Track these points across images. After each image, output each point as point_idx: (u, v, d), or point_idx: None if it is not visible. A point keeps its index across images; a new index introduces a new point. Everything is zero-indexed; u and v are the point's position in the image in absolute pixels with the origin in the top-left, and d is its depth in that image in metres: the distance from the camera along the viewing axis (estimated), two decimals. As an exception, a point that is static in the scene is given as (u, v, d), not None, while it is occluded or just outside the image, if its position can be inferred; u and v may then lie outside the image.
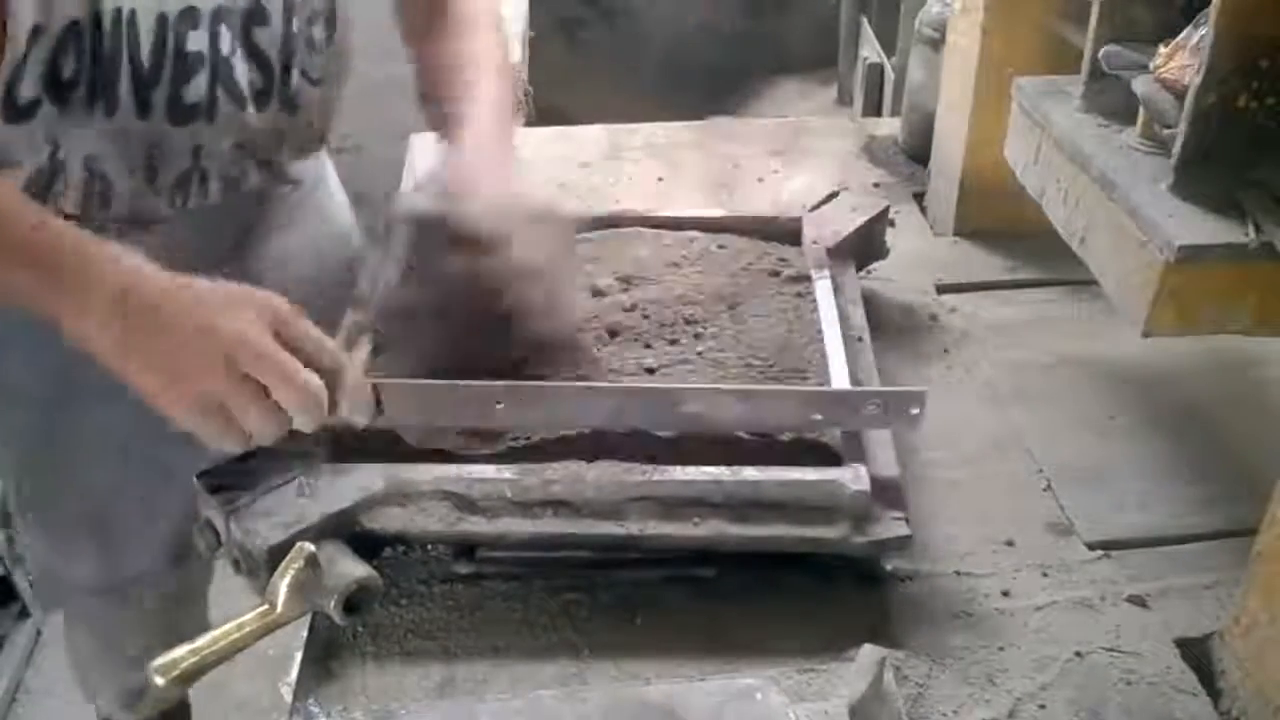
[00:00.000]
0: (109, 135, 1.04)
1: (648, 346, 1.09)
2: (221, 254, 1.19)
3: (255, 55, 1.09)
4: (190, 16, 1.03)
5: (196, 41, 1.04)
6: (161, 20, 1.01)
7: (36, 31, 0.94)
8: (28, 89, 0.97)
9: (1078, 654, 0.90)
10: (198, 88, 1.06)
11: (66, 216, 0.97)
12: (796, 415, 0.95)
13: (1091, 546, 1.01)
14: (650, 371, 1.05)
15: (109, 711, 1.53)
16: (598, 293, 1.16)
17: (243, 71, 1.08)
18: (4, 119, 0.97)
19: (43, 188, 1.03)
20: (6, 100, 0.96)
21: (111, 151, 1.05)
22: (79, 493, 1.21)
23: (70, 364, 0.97)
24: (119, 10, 0.98)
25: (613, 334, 1.10)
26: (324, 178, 1.39)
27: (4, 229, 0.90)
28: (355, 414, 0.91)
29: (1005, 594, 0.95)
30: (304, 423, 0.87)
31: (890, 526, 0.90)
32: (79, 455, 1.23)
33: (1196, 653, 0.91)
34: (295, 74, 1.13)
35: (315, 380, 0.86)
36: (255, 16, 1.08)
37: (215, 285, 0.89)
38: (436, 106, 1.18)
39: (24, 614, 2.40)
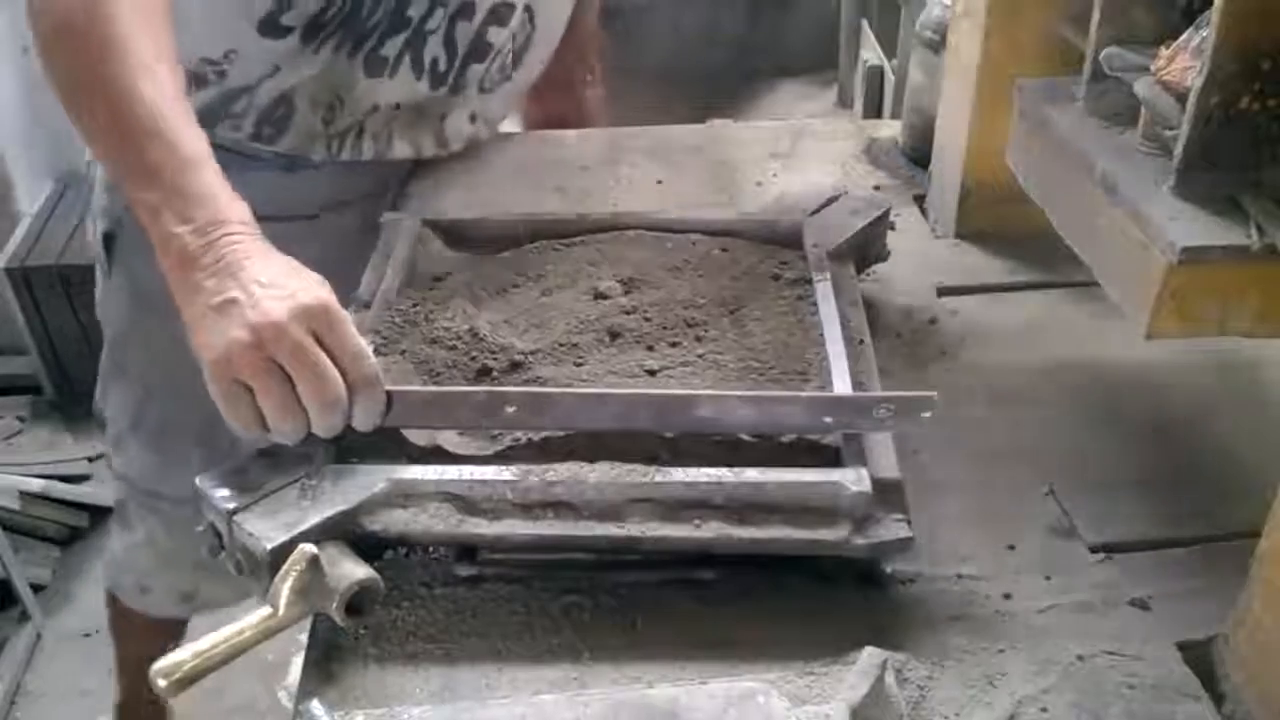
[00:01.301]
0: (318, 71, 1.13)
1: (649, 349, 1.09)
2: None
3: (450, 43, 1.22)
4: None
5: (418, 7, 1.16)
6: None
7: None
8: (291, 19, 1.06)
9: (1079, 657, 0.89)
10: (394, 45, 1.18)
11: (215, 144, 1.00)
12: (807, 420, 0.95)
13: (1093, 549, 1.00)
14: (652, 374, 1.05)
15: (162, 610, 1.67)
16: (599, 295, 1.16)
17: (434, 49, 1.21)
18: (259, 32, 1.07)
19: (225, 103, 1.11)
20: (269, 18, 1.06)
21: (311, 87, 1.15)
22: (198, 403, 1.23)
23: None
24: None
25: (614, 336, 1.10)
26: None
27: (149, 120, 0.93)
28: (364, 422, 0.92)
29: (1007, 597, 0.95)
30: (323, 428, 0.88)
31: (891, 529, 0.90)
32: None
33: (1199, 656, 0.91)
34: (474, 74, 1.28)
35: (341, 389, 0.88)
36: (473, 12, 1.23)
37: (287, 267, 0.92)
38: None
39: (24, 617, 2.41)
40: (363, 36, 1.16)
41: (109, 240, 1.41)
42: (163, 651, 0.81)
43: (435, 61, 1.26)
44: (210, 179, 0.94)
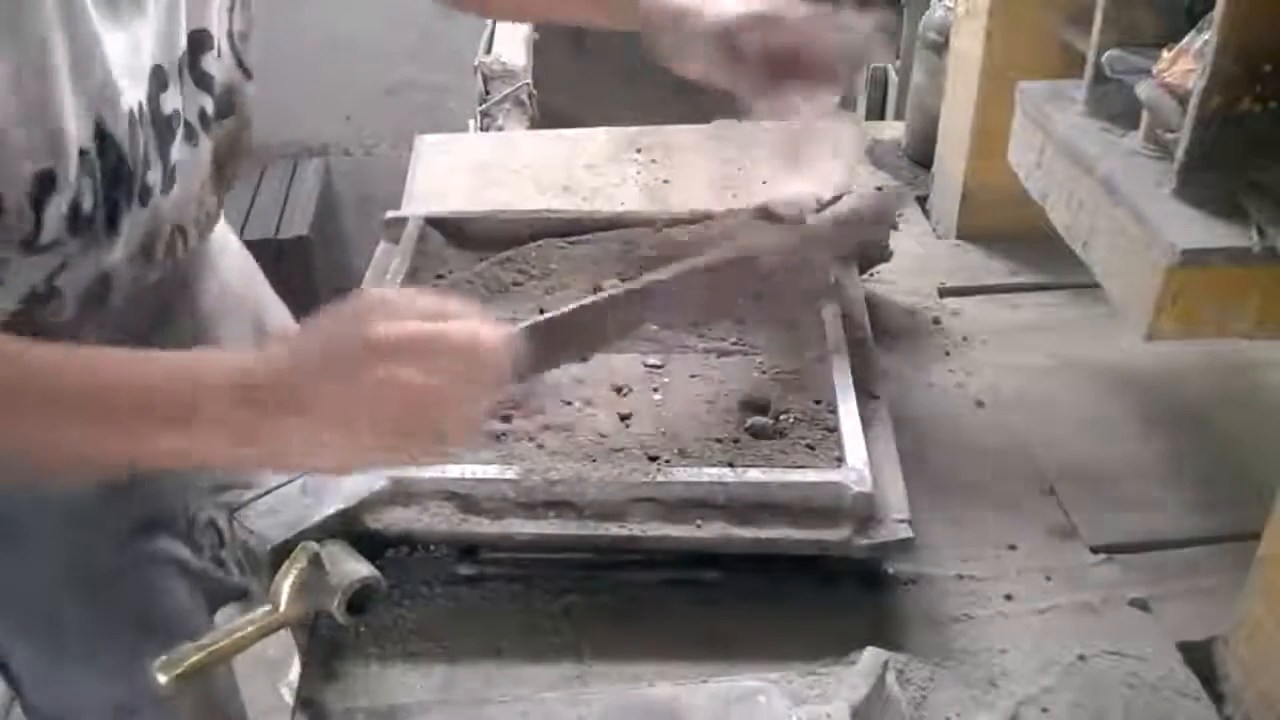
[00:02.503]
0: (125, 242, 0.94)
1: (652, 347, 1.09)
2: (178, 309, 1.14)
3: (202, 80, 1.00)
4: (159, 75, 0.93)
5: (171, 100, 0.95)
6: (149, 95, 0.91)
7: (48, 178, 0.83)
8: (49, 234, 0.85)
9: (1080, 657, 0.90)
10: (179, 147, 0.97)
11: (42, 330, 0.86)
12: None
13: (1094, 550, 1.01)
14: (653, 368, 1.05)
15: None
16: (600, 293, 1.16)
17: (196, 102, 1.00)
18: (23, 254, 0.85)
19: (34, 308, 0.90)
20: (27, 243, 0.84)
21: (121, 256, 0.95)
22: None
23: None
24: (130, 109, 0.88)
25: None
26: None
27: (51, 385, 0.76)
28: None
29: (1008, 597, 0.95)
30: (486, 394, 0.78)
31: (893, 529, 0.90)
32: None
33: (1199, 656, 0.91)
34: (240, 82, 1.06)
35: (488, 334, 0.77)
36: (202, 44, 0.99)
37: (323, 318, 0.78)
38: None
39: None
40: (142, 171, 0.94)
41: None
42: None
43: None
44: (176, 367, 0.78)
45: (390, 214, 1.32)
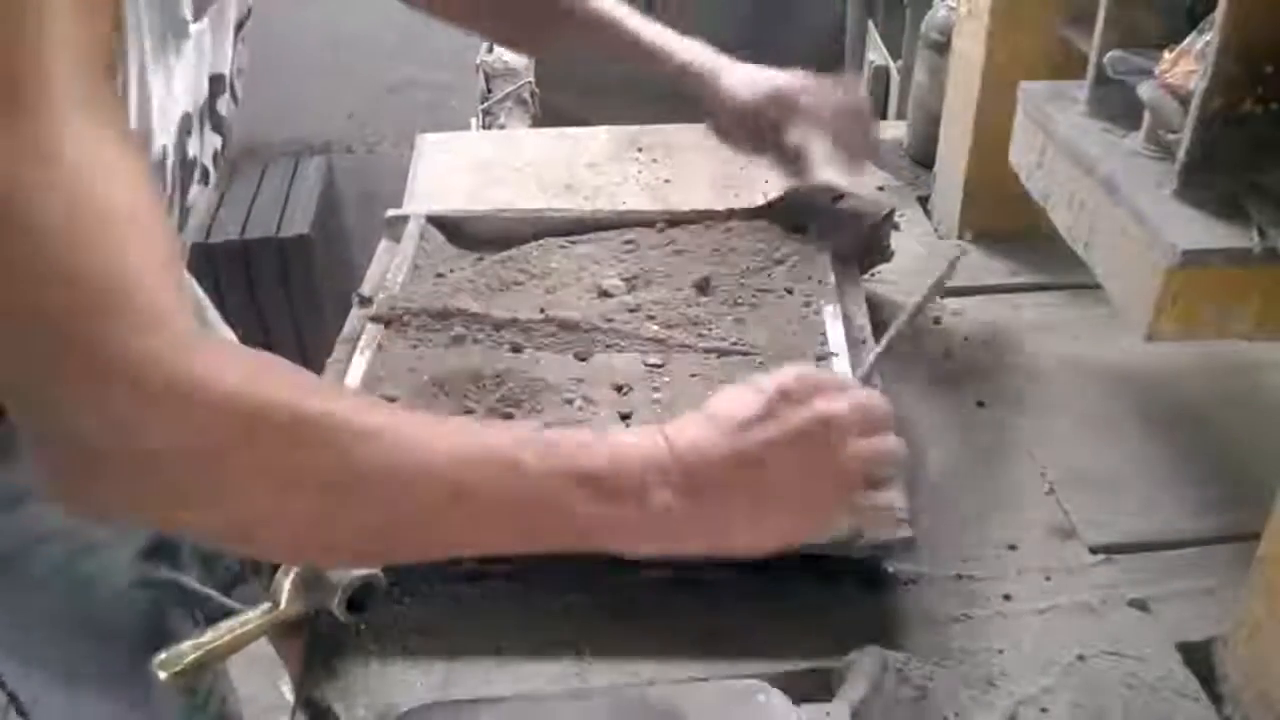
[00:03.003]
0: None
1: (654, 347, 1.09)
2: None
3: (218, 123, 1.01)
4: (187, 122, 0.92)
5: (194, 146, 0.94)
6: (179, 140, 0.89)
7: None
8: None
9: (1079, 657, 0.90)
10: (195, 190, 0.97)
11: None
12: None
13: (1094, 550, 1.01)
14: (654, 368, 1.06)
15: None
16: (603, 293, 1.17)
17: (211, 145, 1.00)
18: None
19: None
20: None
21: None
22: None
23: None
24: (156, 154, 0.84)
25: (617, 333, 1.11)
26: None
27: (499, 485, 0.68)
28: None
29: (1007, 597, 0.95)
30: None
31: (893, 529, 0.90)
32: None
33: (1199, 657, 0.91)
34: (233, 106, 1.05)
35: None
36: (217, 88, 0.98)
37: (732, 401, 0.75)
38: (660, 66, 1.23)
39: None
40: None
41: None
42: None
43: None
44: (572, 445, 0.71)
45: (392, 212, 1.32)
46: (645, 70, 1.22)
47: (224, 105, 1.02)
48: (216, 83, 0.99)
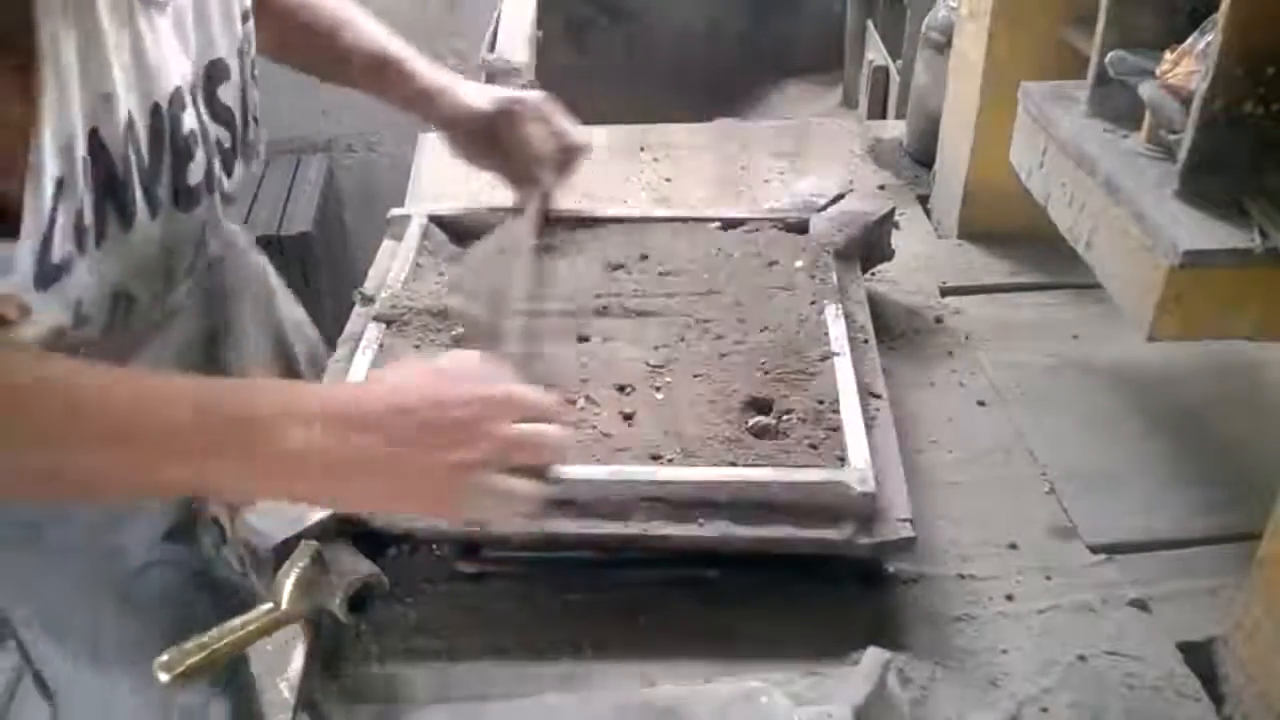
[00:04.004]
0: (129, 253, 0.93)
1: (655, 348, 1.09)
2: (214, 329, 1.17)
3: (218, 115, 1.03)
4: (179, 98, 0.95)
5: (189, 121, 0.97)
6: (155, 111, 0.92)
7: (61, 186, 0.82)
8: (60, 249, 0.84)
9: (1080, 657, 0.90)
10: (197, 168, 0.99)
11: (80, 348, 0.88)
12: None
13: (1094, 550, 1.01)
14: (657, 368, 1.06)
15: None
16: (604, 295, 1.17)
17: (215, 134, 1.02)
18: (37, 287, 0.84)
19: (64, 335, 0.90)
20: (39, 265, 0.83)
21: (132, 268, 0.95)
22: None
23: None
24: (123, 120, 0.88)
25: (620, 332, 1.11)
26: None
27: (146, 417, 0.75)
28: None
29: (1008, 597, 0.95)
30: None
31: (894, 528, 0.90)
32: None
33: (1199, 657, 0.91)
34: (251, 120, 1.09)
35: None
36: (218, 75, 1.02)
37: (398, 373, 0.83)
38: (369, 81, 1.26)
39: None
40: (151, 183, 0.94)
41: None
42: None
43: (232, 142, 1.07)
44: (237, 398, 0.78)
45: (394, 211, 1.32)
46: (378, 92, 1.28)
47: (229, 94, 1.03)
48: (216, 68, 1.01)
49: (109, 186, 0.88)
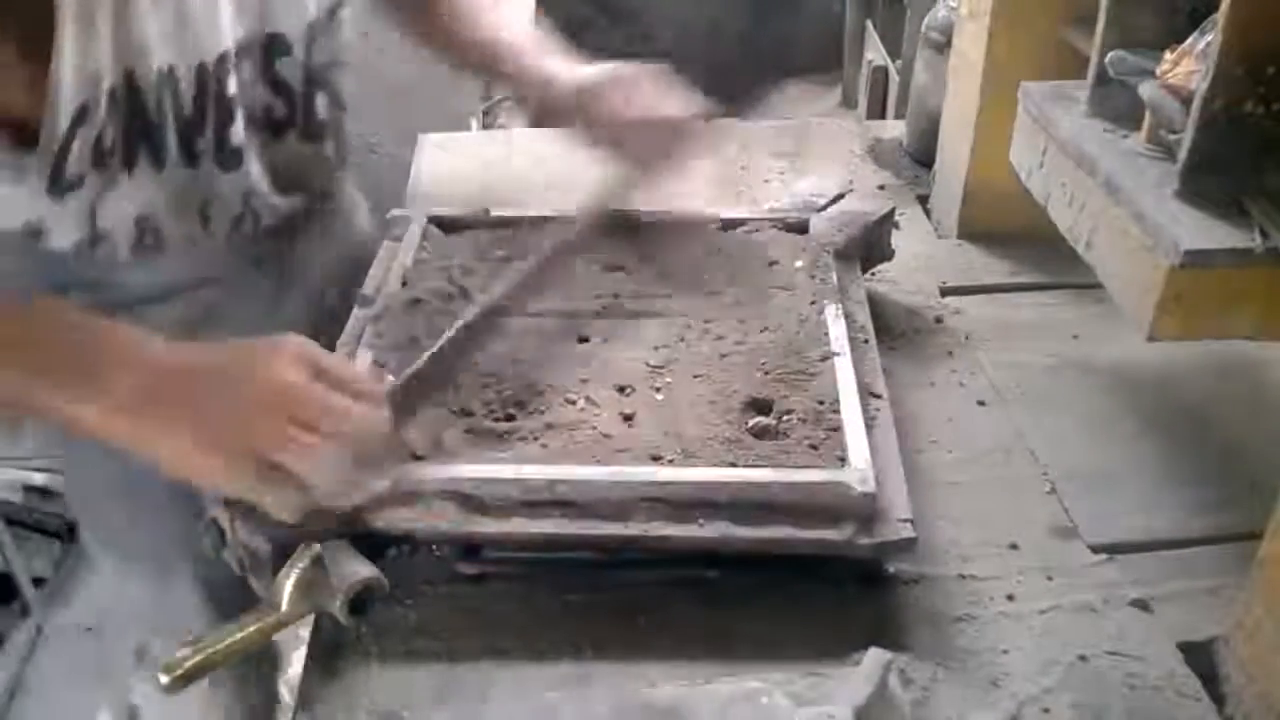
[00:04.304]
0: (160, 190, 1.01)
1: (655, 349, 1.09)
2: (266, 280, 1.21)
3: (276, 85, 1.09)
4: (225, 61, 1.02)
5: (233, 86, 1.03)
6: (201, 70, 1.00)
7: (83, 111, 0.91)
8: (75, 166, 0.93)
9: (1081, 657, 0.90)
10: (238, 132, 1.05)
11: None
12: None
13: (1095, 550, 1.01)
14: (657, 369, 1.06)
15: None
16: (603, 295, 1.17)
17: (265, 102, 1.09)
18: (49, 195, 0.93)
19: (87, 252, 1.00)
20: (53, 178, 0.92)
21: (162, 205, 1.02)
22: None
23: None
24: (160, 69, 0.96)
25: (619, 333, 1.11)
26: (346, 192, 1.37)
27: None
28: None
29: (1009, 597, 0.95)
30: (364, 471, 0.86)
31: (895, 529, 0.90)
32: None
33: (1200, 657, 0.91)
34: (320, 101, 1.14)
35: (375, 414, 0.86)
36: (278, 48, 1.07)
37: (241, 342, 0.87)
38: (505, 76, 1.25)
39: (25, 612, 2.41)
40: (191, 136, 1.03)
41: None
42: None
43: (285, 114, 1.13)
44: (83, 336, 0.87)
45: (394, 212, 1.32)
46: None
47: (289, 69, 1.09)
48: (275, 41, 1.07)
49: (142, 125, 0.97)
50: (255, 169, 1.09)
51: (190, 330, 1.06)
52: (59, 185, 0.92)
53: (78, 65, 0.89)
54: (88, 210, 0.97)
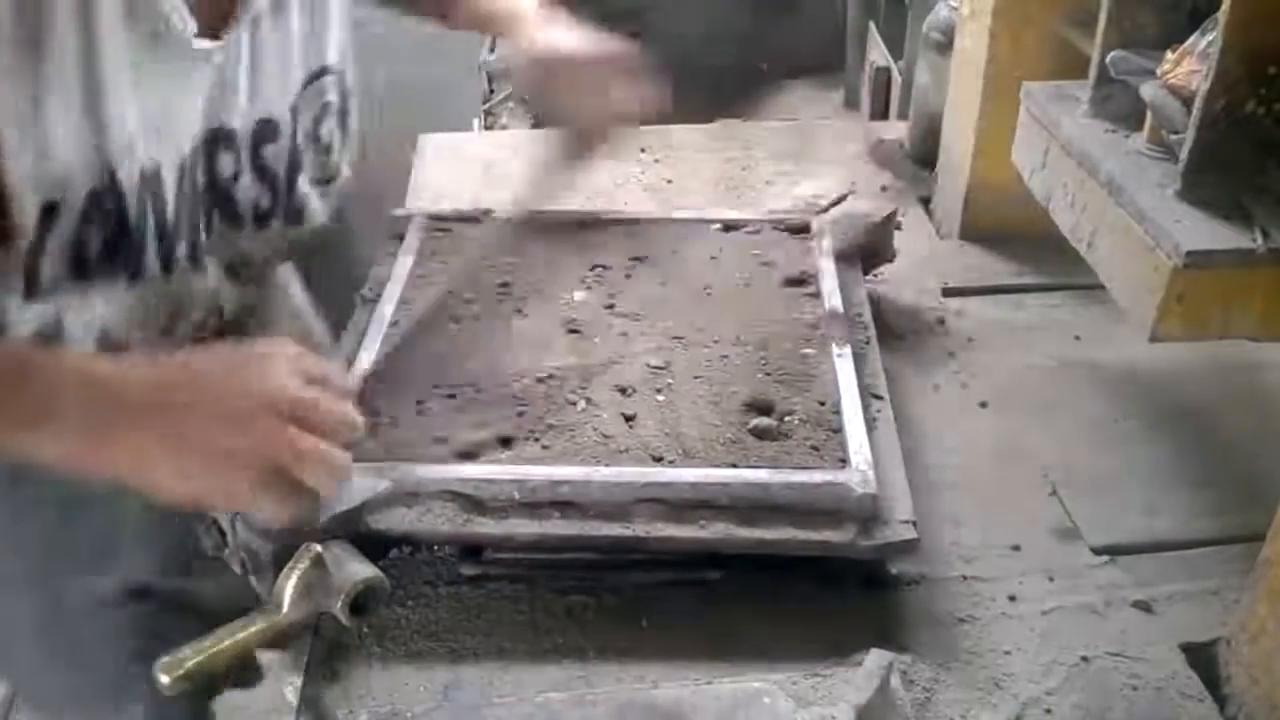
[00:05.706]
0: (128, 302, 0.96)
1: (656, 350, 1.09)
2: None
3: (262, 173, 1.04)
4: (214, 143, 0.98)
5: (226, 170, 1.00)
6: (181, 167, 0.95)
7: (51, 210, 0.86)
8: (50, 268, 0.88)
9: (1083, 659, 0.90)
10: (216, 229, 1.01)
11: None
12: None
13: (1097, 551, 1.01)
14: (657, 369, 1.05)
15: None
16: (604, 296, 1.17)
17: (249, 193, 1.04)
18: (25, 299, 0.88)
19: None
20: (29, 283, 0.87)
21: (127, 318, 0.97)
22: None
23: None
24: (143, 168, 0.90)
25: (621, 334, 1.11)
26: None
27: None
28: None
29: (1011, 599, 0.95)
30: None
31: (897, 530, 0.90)
32: None
33: (1202, 658, 0.91)
34: (302, 183, 1.09)
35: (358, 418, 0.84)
36: (265, 134, 1.03)
37: (231, 350, 0.85)
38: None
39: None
40: (170, 240, 0.97)
41: None
42: None
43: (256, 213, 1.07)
44: (60, 366, 0.83)
45: (395, 212, 1.32)
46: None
47: (274, 155, 1.04)
48: (266, 126, 1.02)
49: (122, 228, 0.91)
50: (213, 269, 1.04)
51: None
52: (36, 290, 0.88)
53: (35, 162, 0.83)
54: (53, 320, 0.92)
